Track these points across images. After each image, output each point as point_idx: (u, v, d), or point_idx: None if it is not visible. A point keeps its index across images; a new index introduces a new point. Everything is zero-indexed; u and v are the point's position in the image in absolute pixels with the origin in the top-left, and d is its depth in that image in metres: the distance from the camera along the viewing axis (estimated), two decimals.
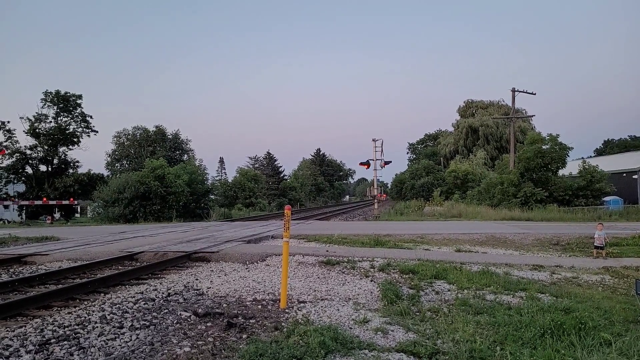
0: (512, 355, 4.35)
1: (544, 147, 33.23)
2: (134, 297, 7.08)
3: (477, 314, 5.90)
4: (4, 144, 43.13)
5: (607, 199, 31.93)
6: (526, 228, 18.35)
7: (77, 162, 48.69)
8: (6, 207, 43.99)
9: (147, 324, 5.61)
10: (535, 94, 39.09)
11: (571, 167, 35.25)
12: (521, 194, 31.49)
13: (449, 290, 7.52)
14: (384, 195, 60.68)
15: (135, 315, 5.98)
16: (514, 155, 36.00)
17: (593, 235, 12.62)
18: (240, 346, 4.72)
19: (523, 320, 5.33)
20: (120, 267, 10.33)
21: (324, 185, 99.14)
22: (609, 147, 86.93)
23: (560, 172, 34.30)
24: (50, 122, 46.16)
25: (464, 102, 76.59)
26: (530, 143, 34.54)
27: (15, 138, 44.38)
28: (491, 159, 62.72)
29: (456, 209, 32.28)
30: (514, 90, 37.89)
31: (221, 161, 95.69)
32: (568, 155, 33.76)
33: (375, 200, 38.51)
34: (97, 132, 49.05)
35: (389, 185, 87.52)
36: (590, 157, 62.49)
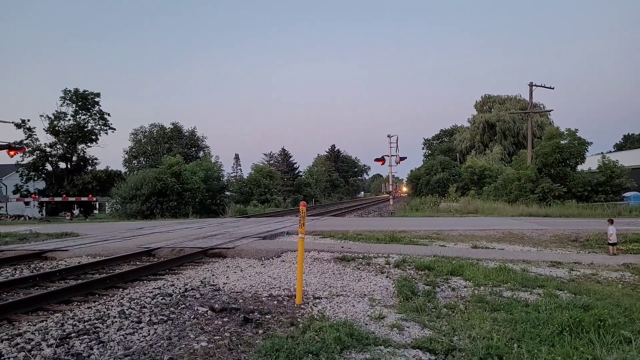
0: (530, 352, 4.31)
1: (562, 142, 32.77)
2: (151, 292, 7.17)
3: (494, 311, 5.85)
4: (25, 142, 43.84)
5: (627, 194, 31.36)
6: (544, 224, 18.12)
7: (96, 159, 49.34)
8: (27, 203, 44.84)
9: (165, 318, 5.68)
10: (553, 88, 38.40)
11: (590, 163, 34.67)
12: (539, 190, 31.10)
13: (465, 287, 7.47)
14: (399, 191, 60.27)
15: (153, 310, 6.05)
16: (532, 151, 35.52)
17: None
18: (257, 341, 4.75)
19: (541, 317, 5.27)
20: (138, 263, 10.45)
21: (338, 182, 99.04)
22: (630, 142, 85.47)
23: (579, 168, 33.79)
24: (69, 120, 46.82)
25: (481, 97, 75.81)
26: (548, 138, 34.08)
27: (35, 136, 45.07)
28: (508, 154, 61.99)
29: (472, 205, 31.97)
30: (531, 85, 37.33)
31: (236, 158, 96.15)
32: (587, 150, 33.28)
33: (391, 196, 38.36)
34: (114, 129, 49.62)
35: (404, 181, 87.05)
36: (610, 152, 61.43)
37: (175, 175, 35.12)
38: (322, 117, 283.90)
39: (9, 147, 24.37)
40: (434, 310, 6.03)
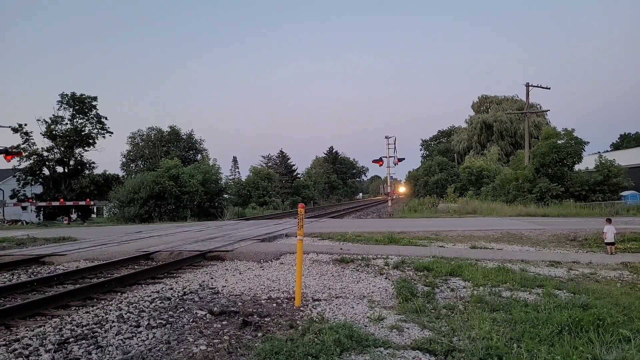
0: (529, 352, 4.31)
1: (559, 141, 32.81)
2: (150, 296, 7.15)
3: (493, 311, 5.85)
4: (22, 146, 43.63)
5: (624, 193, 31.43)
6: (542, 224, 18.13)
7: (93, 163, 49.15)
8: (24, 208, 44.60)
9: (164, 322, 5.66)
10: (549, 89, 38.42)
11: (587, 162, 34.73)
12: (537, 190, 31.13)
13: (464, 287, 7.46)
14: (397, 192, 60.20)
15: (151, 314, 6.03)
16: (529, 151, 35.57)
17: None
18: (256, 344, 4.74)
19: (540, 317, 5.27)
20: (136, 267, 10.43)
21: (337, 183, 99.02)
22: (626, 141, 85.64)
23: (577, 167, 33.83)
24: (67, 124, 46.65)
25: (478, 97, 75.80)
26: (545, 138, 34.13)
27: (32, 140, 44.83)
28: (505, 154, 62.04)
29: (471, 206, 31.99)
30: (528, 85, 37.40)
31: (234, 160, 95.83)
32: (584, 150, 33.32)
33: (389, 198, 38.39)
34: (112, 133, 49.39)
35: (402, 182, 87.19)
36: (607, 151, 61.64)
37: (173, 179, 35.06)
38: (320, 119, 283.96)
39: (6, 151, 24.35)
40: (433, 311, 6.02)
